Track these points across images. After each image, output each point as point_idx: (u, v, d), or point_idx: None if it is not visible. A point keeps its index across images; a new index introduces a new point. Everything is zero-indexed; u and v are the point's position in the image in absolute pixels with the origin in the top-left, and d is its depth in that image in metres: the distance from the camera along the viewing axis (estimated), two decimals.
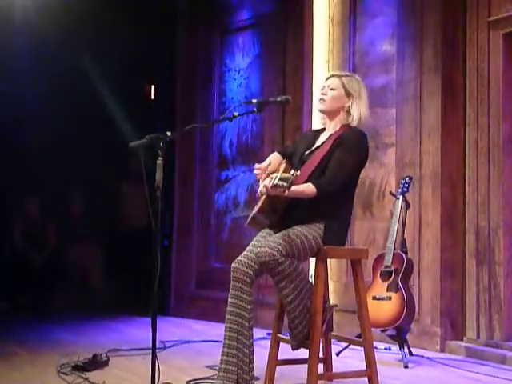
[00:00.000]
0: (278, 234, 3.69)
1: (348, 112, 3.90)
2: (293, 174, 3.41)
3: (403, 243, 5.01)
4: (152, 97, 7.96)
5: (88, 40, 7.32)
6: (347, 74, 4.06)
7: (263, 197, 3.74)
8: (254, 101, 3.95)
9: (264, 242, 3.65)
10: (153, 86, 7.93)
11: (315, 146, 3.93)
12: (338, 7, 6.14)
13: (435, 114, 5.39)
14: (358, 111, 3.88)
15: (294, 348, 3.84)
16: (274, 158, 4.05)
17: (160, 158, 3.49)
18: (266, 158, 4.19)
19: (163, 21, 7.31)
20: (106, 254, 8.39)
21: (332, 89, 3.90)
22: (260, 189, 3.77)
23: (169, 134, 3.58)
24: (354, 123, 3.88)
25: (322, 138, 3.97)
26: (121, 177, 8.34)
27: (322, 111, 3.97)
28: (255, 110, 3.95)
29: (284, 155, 4.06)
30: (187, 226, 7.17)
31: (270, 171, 3.94)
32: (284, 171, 3.77)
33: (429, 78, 5.44)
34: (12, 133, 7.67)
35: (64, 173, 7.89)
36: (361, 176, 5.73)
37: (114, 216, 8.41)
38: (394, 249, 4.92)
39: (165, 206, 6.58)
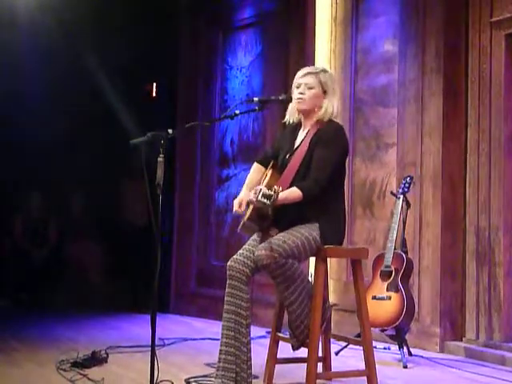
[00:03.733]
0: (277, 236, 3.68)
1: (321, 108, 3.85)
2: (275, 192, 3.40)
3: (403, 243, 5.01)
4: (154, 94, 7.96)
5: (90, 38, 7.32)
6: (322, 69, 3.95)
7: (251, 206, 3.74)
8: (256, 99, 3.96)
9: (264, 245, 3.64)
10: (155, 84, 7.93)
11: (295, 147, 3.90)
12: (340, 6, 6.13)
13: (437, 114, 5.39)
14: (332, 108, 3.84)
15: (295, 348, 3.84)
16: (254, 171, 4.04)
17: (161, 156, 3.49)
18: None
19: (165, 18, 7.31)
20: (107, 251, 8.40)
21: (310, 87, 3.85)
22: (248, 200, 3.77)
23: (170, 131, 3.58)
24: (326, 119, 3.84)
25: (300, 136, 3.93)
26: (122, 174, 8.34)
27: (301, 111, 3.91)
28: (257, 108, 3.96)
29: (266, 162, 4.04)
30: (187, 223, 7.18)
31: (255, 185, 3.96)
32: (271, 178, 3.76)
33: (431, 78, 5.43)
34: (13, 130, 7.66)
35: (65, 171, 7.90)
36: (361, 176, 5.78)
37: (114, 214, 8.42)
38: (394, 248, 4.92)
39: (165, 203, 6.57)
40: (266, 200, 3.39)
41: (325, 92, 3.85)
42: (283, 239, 3.64)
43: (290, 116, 4.00)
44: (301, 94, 3.86)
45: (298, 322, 3.74)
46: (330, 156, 3.75)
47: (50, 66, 7.32)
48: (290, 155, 3.88)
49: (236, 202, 3.89)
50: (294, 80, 3.94)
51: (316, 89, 3.85)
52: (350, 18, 6.04)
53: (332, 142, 3.78)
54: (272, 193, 3.40)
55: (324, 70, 3.95)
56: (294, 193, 3.64)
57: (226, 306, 3.67)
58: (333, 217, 3.82)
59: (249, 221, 3.76)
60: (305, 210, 3.72)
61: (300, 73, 3.93)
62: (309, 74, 3.88)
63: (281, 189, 3.46)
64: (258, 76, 6.68)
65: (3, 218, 8.04)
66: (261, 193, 3.41)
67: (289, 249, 3.62)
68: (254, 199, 3.47)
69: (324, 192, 3.71)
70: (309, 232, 3.71)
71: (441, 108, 5.36)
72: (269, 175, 3.85)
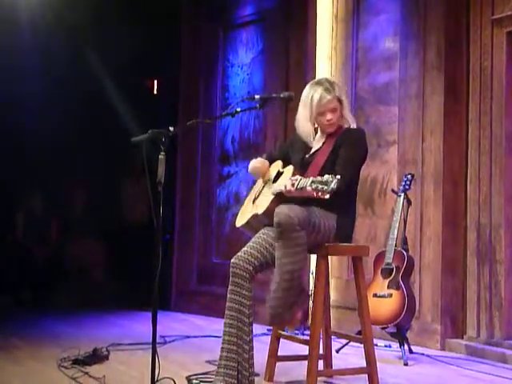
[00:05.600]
0: (299, 206, 3.64)
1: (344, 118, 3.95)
2: (333, 177, 3.33)
3: (404, 240, 5.01)
4: (155, 92, 7.96)
5: (91, 36, 7.33)
6: (331, 84, 3.91)
7: (269, 199, 3.73)
8: (257, 97, 3.96)
9: (286, 205, 3.58)
10: (156, 81, 7.93)
11: (316, 148, 3.94)
12: (341, 4, 6.13)
13: (438, 111, 5.39)
14: (349, 112, 3.95)
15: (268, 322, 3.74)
16: (260, 162, 4.07)
17: (162, 153, 3.49)
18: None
19: (167, 16, 7.31)
20: (108, 249, 8.40)
21: (333, 110, 3.86)
22: (268, 192, 3.76)
23: (171, 129, 3.58)
24: (351, 123, 3.94)
25: (319, 140, 3.97)
26: (123, 172, 8.35)
27: (331, 131, 3.92)
28: (258, 106, 3.96)
29: (270, 161, 4.08)
30: (188, 221, 7.18)
31: (262, 174, 4.01)
32: (293, 175, 3.74)
33: (432, 75, 5.43)
34: (15, 129, 7.67)
35: (67, 169, 7.91)
36: (363, 173, 5.76)
37: (116, 211, 8.42)
38: (395, 246, 4.92)
39: (166, 201, 6.57)
40: (323, 186, 3.32)
41: (341, 103, 3.90)
42: (306, 210, 3.62)
43: (308, 137, 3.99)
44: (328, 120, 3.88)
45: (277, 294, 3.59)
46: (355, 156, 3.83)
47: (51, 65, 7.32)
48: (311, 155, 3.92)
49: (257, 162, 4.00)
50: (314, 104, 3.84)
51: (338, 109, 3.89)
52: (351, 15, 6.04)
53: (357, 144, 3.86)
54: (330, 178, 3.33)
55: (333, 84, 3.92)
56: None
57: (228, 304, 3.66)
58: (349, 215, 3.87)
59: (264, 215, 3.73)
60: (323, 204, 3.70)
61: (317, 98, 3.84)
62: (329, 99, 3.84)
63: (339, 176, 3.37)
64: (259, 73, 6.67)
65: (5, 217, 8.05)
66: (308, 181, 3.38)
67: (307, 219, 3.60)
68: (293, 188, 3.45)
69: (347, 190, 3.75)
70: (326, 218, 3.73)
71: (442, 105, 5.36)
72: (290, 171, 3.81)
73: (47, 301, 7.36)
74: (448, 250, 5.32)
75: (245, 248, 3.73)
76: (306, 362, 3.72)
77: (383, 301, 4.83)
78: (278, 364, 4.03)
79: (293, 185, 3.49)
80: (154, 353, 3.41)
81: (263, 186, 3.97)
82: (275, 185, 3.80)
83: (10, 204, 8.13)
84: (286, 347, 4.12)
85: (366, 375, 3.84)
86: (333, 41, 6.18)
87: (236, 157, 6.84)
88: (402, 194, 5.03)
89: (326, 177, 3.37)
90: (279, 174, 3.91)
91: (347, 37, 6.07)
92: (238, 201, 6.70)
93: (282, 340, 4.02)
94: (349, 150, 3.82)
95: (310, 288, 4.94)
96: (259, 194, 3.94)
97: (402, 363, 4.70)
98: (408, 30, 5.62)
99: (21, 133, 7.74)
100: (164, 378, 3.71)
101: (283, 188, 3.58)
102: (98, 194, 8.33)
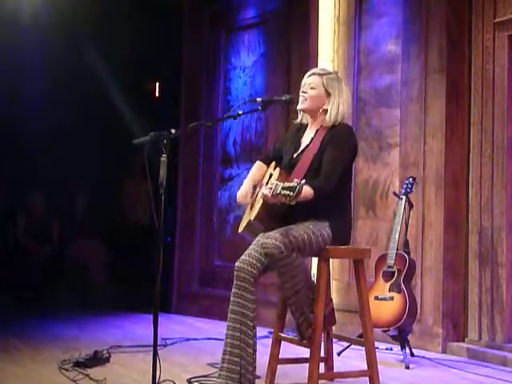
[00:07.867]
0: (284, 228, 3.65)
1: (326, 112, 3.86)
2: (298, 183, 3.34)
3: (406, 243, 5.01)
4: (157, 94, 7.96)
5: (94, 38, 7.33)
6: (329, 71, 3.98)
7: (259, 204, 3.72)
8: (259, 99, 3.96)
9: (271, 234, 3.60)
10: (157, 84, 7.93)
11: (303, 146, 3.91)
12: (343, 6, 6.13)
13: (440, 114, 5.38)
14: (336, 111, 3.84)
15: (299, 340, 3.84)
16: (257, 168, 4.06)
17: (164, 156, 3.49)
18: None
19: (169, 18, 7.32)
20: (109, 250, 8.40)
21: (312, 87, 3.87)
22: (259, 197, 3.76)
23: (173, 131, 3.58)
24: (330, 122, 3.84)
25: (307, 136, 3.94)
26: (124, 174, 8.35)
27: (302, 110, 3.94)
28: (259, 108, 3.97)
29: (268, 162, 4.08)
30: (190, 223, 7.17)
31: (257, 183, 3.97)
32: (279, 177, 3.72)
33: (434, 78, 5.43)
34: (17, 129, 7.67)
35: (68, 170, 7.91)
36: (364, 176, 5.78)
37: (117, 213, 8.42)
38: (397, 249, 4.92)
39: (168, 203, 6.58)
40: (288, 192, 3.32)
41: (328, 94, 3.86)
42: (290, 231, 3.62)
43: (301, 117, 4.03)
44: (303, 93, 3.90)
45: (299, 318, 3.73)
46: (341, 156, 3.77)
47: (52, 66, 7.32)
48: (299, 155, 3.89)
49: (241, 194, 3.93)
50: (302, 81, 3.97)
51: (318, 89, 3.87)
52: (353, 17, 6.04)
53: (343, 143, 3.81)
54: (295, 184, 3.33)
55: (331, 73, 3.96)
56: (306, 189, 3.55)
57: (231, 307, 3.64)
58: (342, 216, 3.85)
59: (255, 220, 3.73)
60: (314, 207, 3.70)
61: (307, 73, 3.95)
62: (314, 74, 3.91)
63: (304, 181, 3.40)
64: (261, 76, 6.67)
65: (6, 217, 8.05)
66: (280, 186, 3.35)
67: (295, 242, 3.60)
68: (269, 194, 3.41)
69: (334, 190, 3.71)
70: (317, 229, 3.71)
71: (444, 108, 5.36)
72: (276, 174, 3.81)
73: (47, 302, 7.35)
74: (449, 253, 5.31)
75: (248, 251, 3.70)
76: (307, 365, 3.72)
77: (385, 304, 4.83)
78: (279, 367, 4.02)
79: (270, 190, 3.45)
80: (155, 355, 3.41)
81: (259, 190, 3.97)
82: (263, 189, 3.79)
83: (10, 204, 8.13)
84: (287, 350, 4.11)
85: (368, 378, 3.84)
86: (335, 43, 6.18)
87: (238, 159, 6.84)
88: (404, 197, 5.03)
89: (293, 182, 3.36)
90: (271, 177, 3.91)
91: (349, 39, 6.07)
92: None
93: (283, 343, 4.01)
94: (335, 149, 3.76)
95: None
96: (255, 199, 3.94)
97: (404, 366, 4.69)
98: (410, 32, 5.61)
99: (21, 132, 7.74)
100: (165, 380, 3.71)
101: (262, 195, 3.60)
102: (99, 196, 8.33)
